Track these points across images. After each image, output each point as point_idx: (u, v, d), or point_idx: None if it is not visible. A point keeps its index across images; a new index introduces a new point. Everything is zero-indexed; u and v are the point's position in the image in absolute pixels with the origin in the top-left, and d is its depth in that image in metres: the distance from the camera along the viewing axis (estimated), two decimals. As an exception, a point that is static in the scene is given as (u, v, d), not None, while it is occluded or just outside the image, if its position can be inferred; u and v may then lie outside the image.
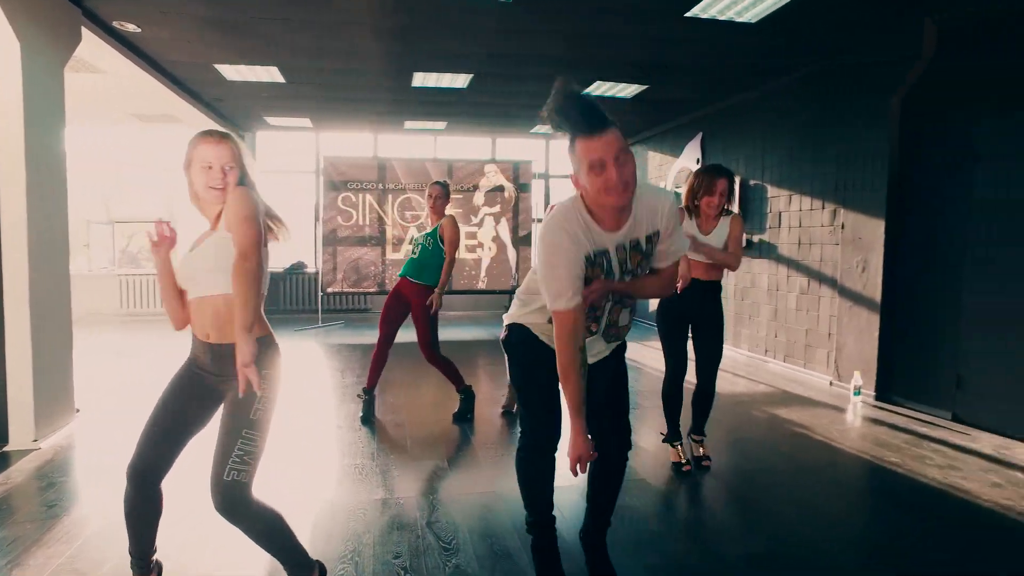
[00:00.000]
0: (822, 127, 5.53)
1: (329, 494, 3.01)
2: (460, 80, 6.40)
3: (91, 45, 4.88)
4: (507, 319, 2.18)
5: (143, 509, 1.92)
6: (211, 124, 8.28)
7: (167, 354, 6.65)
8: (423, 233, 4.32)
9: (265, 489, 2.84)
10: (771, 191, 6.26)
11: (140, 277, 9.48)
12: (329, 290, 9.06)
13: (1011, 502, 2.94)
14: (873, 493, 3.22)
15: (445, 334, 5.68)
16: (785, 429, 4.14)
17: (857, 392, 4.91)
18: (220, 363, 1.85)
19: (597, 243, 1.83)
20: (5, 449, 3.61)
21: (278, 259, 9.81)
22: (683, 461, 3.39)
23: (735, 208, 3.54)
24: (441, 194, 4.28)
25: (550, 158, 10.43)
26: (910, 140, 4.72)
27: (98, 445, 3.72)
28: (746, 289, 6.71)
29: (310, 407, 4.62)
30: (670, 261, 2.00)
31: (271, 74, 6.07)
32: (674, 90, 6.64)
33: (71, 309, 4.31)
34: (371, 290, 9.22)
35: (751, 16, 4.47)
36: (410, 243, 4.31)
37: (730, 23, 4.60)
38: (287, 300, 9.71)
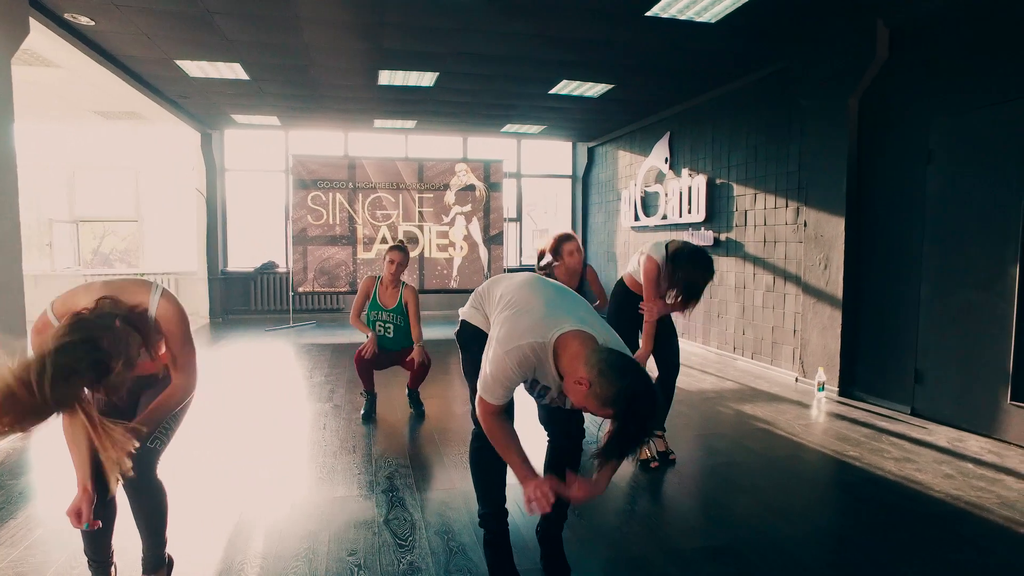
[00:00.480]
0: (784, 126, 5.61)
1: (289, 493, 2.97)
2: (426, 79, 6.37)
3: (42, 38, 4.76)
4: (462, 314, 2.18)
5: (99, 515, 1.87)
6: (177, 122, 8.16)
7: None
8: (387, 311, 4.21)
9: (223, 486, 2.80)
10: (737, 190, 6.33)
11: (106, 277, 9.27)
12: (300, 290, 8.97)
13: (960, 492, 3.01)
14: (832, 486, 3.26)
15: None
16: (750, 425, 4.19)
17: (821, 388, 4.99)
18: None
19: (547, 381, 1.86)
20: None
21: (249, 259, 9.69)
22: (651, 457, 3.41)
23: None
24: (403, 260, 4.19)
25: (522, 157, 10.43)
26: (868, 140, 4.80)
27: (50, 448, 3.62)
28: (715, 287, 6.78)
29: (277, 407, 4.56)
30: None
31: (235, 71, 5.98)
32: (641, 89, 6.69)
33: (25, 310, 4.20)
34: (342, 290, 9.14)
35: (710, 16, 4.52)
36: (375, 326, 4.22)
37: (690, 23, 4.64)
38: (257, 301, 9.57)
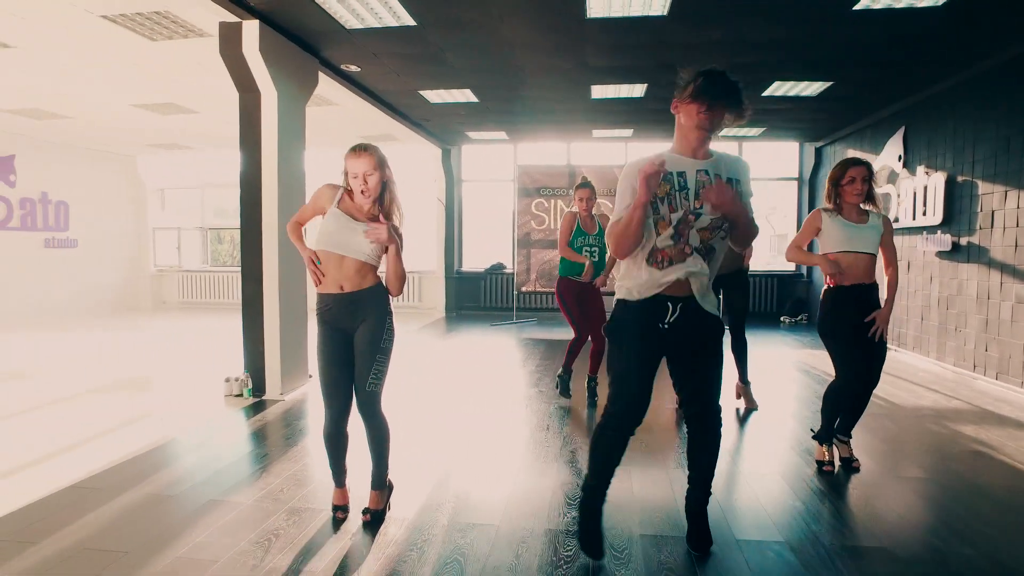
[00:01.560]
0: (1043, 113, 4.86)
1: (487, 453, 3.54)
2: (637, 90, 6.67)
3: (327, 85, 6.06)
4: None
5: (338, 441, 2.62)
6: (422, 140, 9.50)
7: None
8: (592, 236, 4.60)
9: (439, 442, 3.44)
10: (982, 187, 5.59)
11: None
12: (523, 289, 9.84)
13: None
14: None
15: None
16: (963, 446, 3.80)
17: (1076, 416, 4.27)
18: (352, 308, 2.53)
19: (676, 166, 2.22)
20: (263, 398, 4.82)
21: (480, 260, 10.85)
22: (827, 461, 3.36)
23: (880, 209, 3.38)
24: (591, 195, 4.60)
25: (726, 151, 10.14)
26: None
27: (322, 401, 4.70)
28: (951, 297, 6.05)
29: (492, 389, 5.24)
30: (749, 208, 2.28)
31: (465, 95, 6.91)
32: (863, 85, 6.23)
33: (306, 297, 5.42)
34: (551, 289, 9.80)
35: (933, 0, 4.17)
36: (582, 252, 4.64)
37: (910, 11, 4.32)
38: (486, 298, 10.68)
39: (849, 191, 3.21)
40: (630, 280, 2.30)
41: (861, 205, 3.26)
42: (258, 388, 4.86)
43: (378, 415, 2.61)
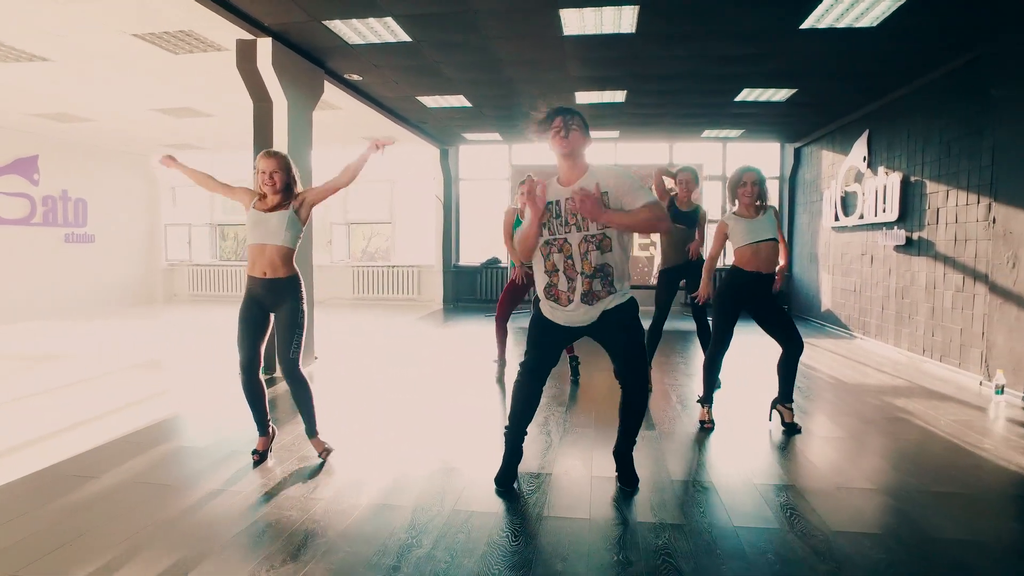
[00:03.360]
0: (977, 119, 5.39)
1: (446, 426, 4.09)
2: (618, 96, 7.20)
3: (331, 92, 6.60)
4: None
5: (251, 389, 3.24)
6: (421, 141, 10.03)
7: (381, 326, 8.41)
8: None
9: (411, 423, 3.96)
10: (929, 187, 6.12)
11: (369, 268, 11.68)
12: (516, 282, 10.34)
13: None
14: (935, 464, 3.41)
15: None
16: (890, 415, 4.33)
17: (1000, 391, 4.80)
18: (272, 293, 3.14)
19: (553, 195, 2.71)
20: (274, 375, 5.35)
21: (477, 255, 11.39)
22: (707, 420, 3.95)
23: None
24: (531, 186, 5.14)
25: (727, 161, 10.66)
26: (1064, 130, 4.53)
27: (327, 378, 5.25)
28: (906, 288, 6.58)
29: (478, 375, 5.79)
30: (639, 203, 2.62)
31: (460, 101, 7.46)
32: (826, 92, 6.77)
33: (314, 289, 5.97)
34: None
35: (869, 21, 4.70)
36: None
37: (851, 30, 4.85)
38: (482, 291, 11.23)
39: (742, 193, 3.79)
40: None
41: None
42: (269, 367, 5.41)
43: (299, 377, 3.25)
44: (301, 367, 3.27)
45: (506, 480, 2.96)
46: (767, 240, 3.75)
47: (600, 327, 2.77)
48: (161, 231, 12.40)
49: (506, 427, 3.02)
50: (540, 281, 2.77)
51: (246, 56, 5.09)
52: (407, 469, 3.20)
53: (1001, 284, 5.00)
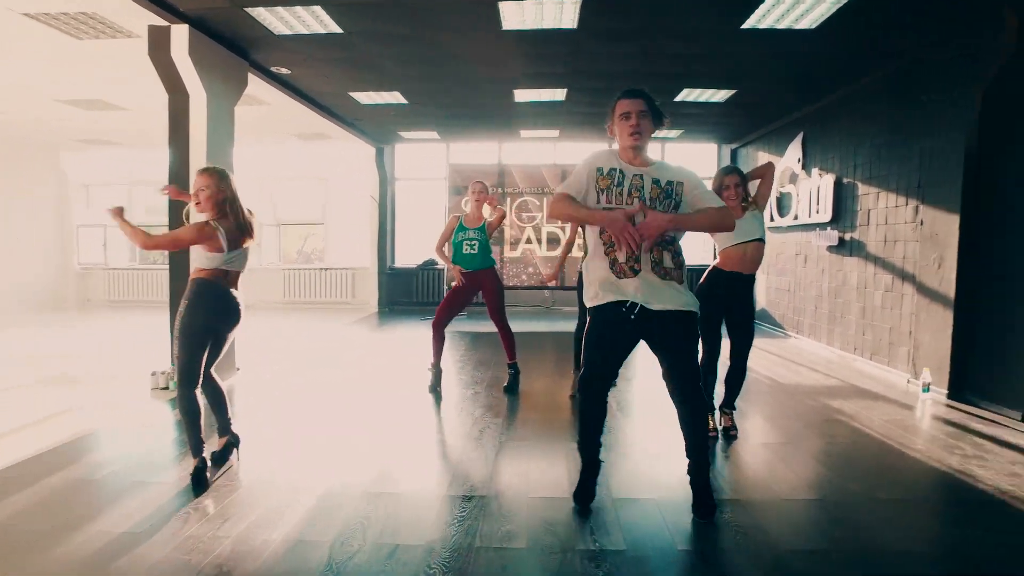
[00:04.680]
0: (907, 123, 5.51)
1: (382, 429, 3.85)
2: (558, 94, 7.07)
3: (257, 86, 6.22)
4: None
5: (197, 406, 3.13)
6: (355, 139, 9.67)
7: (312, 331, 8.03)
8: (474, 229, 4.98)
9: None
10: (861, 189, 6.25)
11: (300, 271, 11.20)
12: (454, 285, 10.08)
13: (1015, 487, 3.06)
14: (872, 467, 3.41)
15: (537, 326, 6.29)
16: (826, 416, 4.34)
17: (926, 389, 4.91)
18: None
19: (619, 166, 2.60)
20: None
21: (413, 257, 11.07)
22: (712, 428, 3.84)
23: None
24: (484, 189, 4.97)
25: (665, 160, 10.71)
26: (992, 135, 4.65)
27: (247, 391, 4.89)
28: (838, 288, 6.71)
29: (410, 379, 5.55)
30: (706, 203, 2.59)
31: (396, 97, 7.17)
32: (765, 93, 6.82)
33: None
34: (490, 285, 10.15)
35: (808, 23, 4.71)
36: (463, 247, 5.00)
37: (790, 31, 4.85)
38: (418, 293, 10.93)
39: (727, 197, 3.69)
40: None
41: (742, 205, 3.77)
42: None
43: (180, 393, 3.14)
44: (178, 380, 3.14)
45: (585, 498, 2.80)
46: (755, 240, 3.68)
47: (664, 331, 2.60)
48: (73, 232, 11.56)
49: (579, 442, 2.84)
50: (599, 266, 2.62)
51: (159, 44, 4.68)
52: (329, 493, 2.95)
53: (928, 284, 5.12)
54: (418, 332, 8.23)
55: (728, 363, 3.85)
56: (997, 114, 4.57)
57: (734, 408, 3.95)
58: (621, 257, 2.56)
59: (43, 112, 7.92)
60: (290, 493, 2.95)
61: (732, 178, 3.68)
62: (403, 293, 11.00)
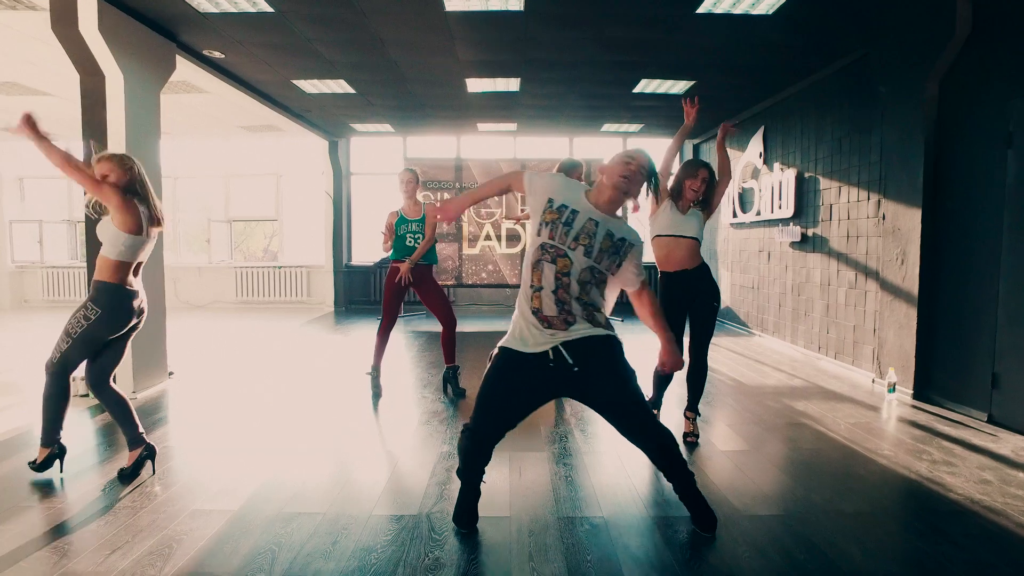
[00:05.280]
0: (866, 116, 5.37)
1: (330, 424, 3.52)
2: (512, 84, 6.78)
3: (188, 71, 5.79)
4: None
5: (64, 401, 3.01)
6: (306, 133, 9.25)
7: (267, 334, 7.61)
8: (415, 220, 4.71)
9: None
10: (823, 183, 6.09)
11: (253, 269, 10.70)
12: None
13: (985, 496, 2.87)
14: (837, 476, 3.21)
15: (499, 325, 5.94)
16: (792, 419, 4.14)
17: (892, 389, 4.75)
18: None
19: (576, 204, 2.35)
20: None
21: (370, 254, 10.68)
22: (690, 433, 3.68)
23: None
24: (413, 179, 4.71)
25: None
26: (948, 125, 4.50)
27: (176, 399, 4.50)
28: (802, 284, 6.56)
29: (360, 378, 5.21)
30: (638, 286, 2.43)
31: (342, 86, 6.79)
32: (724, 85, 6.63)
33: (164, 290, 5.18)
34: (448, 283, 9.82)
35: (765, 8, 4.50)
36: (406, 239, 4.71)
37: (746, 16, 4.64)
38: (376, 292, 10.54)
39: (689, 186, 3.49)
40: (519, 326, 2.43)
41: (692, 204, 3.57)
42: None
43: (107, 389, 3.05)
44: (52, 373, 2.97)
45: (468, 521, 2.53)
46: (689, 238, 3.52)
47: (582, 378, 2.31)
48: (6, 228, 10.88)
49: (459, 469, 2.56)
50: (523, 301, 2.34)
51: (63, 17, 4.24)
52: (241, 515, 2.61)
53: (891, 281, 4.97)
54: (373, 332, 7.85)
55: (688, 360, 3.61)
56: (954, 104, 4.43)
57: (698, 412, 3.73)
58: (544, 307, 2.31)
59: (-39, 99, 7.36)
60: (198, 515, 2.61)
61: (704, 172, 3.49)
62: (360, 292, 10.60)
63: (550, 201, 2.35)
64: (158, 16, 4.70)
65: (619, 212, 2.44)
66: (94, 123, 4.52)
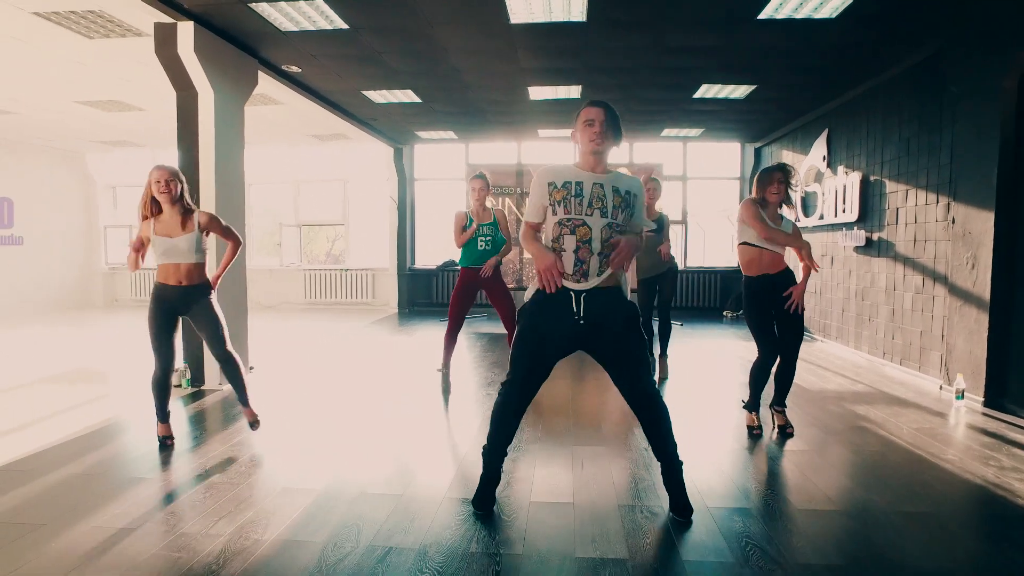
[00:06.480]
0: (936, 116, 5.26)
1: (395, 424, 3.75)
2: (573, 91, 6.93)
3: (268, 84, 6.19)
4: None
5: (165, 385, 3.50)
6: (373, 140, 9.65)
7: (331, 332, 7.99)
8: (484, 225, 4.91)
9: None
10: (889, 186, 5.99)
11: (321, 272, 11.20)
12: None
13: (1046, 499, 2.84)
14: (899, 478, 3.20)
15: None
16: (852, 423, 4.13)
17: (960, 396, 4.65)
18: (187, 297, 3.48)
19: (576, 177, 2.51)
20: (202, 388, 4.99)
21: (433, 257, 11.01)
22: (756, 426, 3.85)
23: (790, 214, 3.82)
24: (484, 186, 4.89)
25: (688, 160, 10.49)
26: (1025, 125, 4.39)
27: (258, 391, 4.82)
28: (865, 289, 6.45)
29: (426, 379, 5.45)
30: (641, 224, 2.66)
31: (408, 96, 7.09)
32: (787, 88, 6.60)
33: (247, 292, 5.56)
34: (510, 286, 10.02)
35: (829, 12, 4.51)
36: (477, 241, 4.91)
37: (809, 20, 4.65)
38: (438, 294, 10.86)
39: (770, 192, 3.63)
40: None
41: (778, 210, 3.71)
42: (196, 379, 4.98)
43: (231, 357, 3.60)
44: (230, 348, 3.60)
45: (484, 503, 2.71)
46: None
47: (599, 331, 2.53)
48: (100, 233, 11.73)
49: (484, 447, 2.75)
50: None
51: (165, 41, 4.66)
52: (327, 493, 2.85)
53: (960, 286, 4.86)
54: (437, 333, 8.13)
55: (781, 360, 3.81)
56: (1034, 104, 4.32)
57: (785, 406, 3.92)
58: (566, 265, 2.53)
59: (63, 114, 8.02)
60: (287, 492, 2.87)
61: (778, 174, 3.63)
62: (423, 294, 10.94)
63: (551, 184, 2.52)
64: (243, 35, 5.07)
65: (606, 167, 2.60)
66: (187, 134, 4.92)
